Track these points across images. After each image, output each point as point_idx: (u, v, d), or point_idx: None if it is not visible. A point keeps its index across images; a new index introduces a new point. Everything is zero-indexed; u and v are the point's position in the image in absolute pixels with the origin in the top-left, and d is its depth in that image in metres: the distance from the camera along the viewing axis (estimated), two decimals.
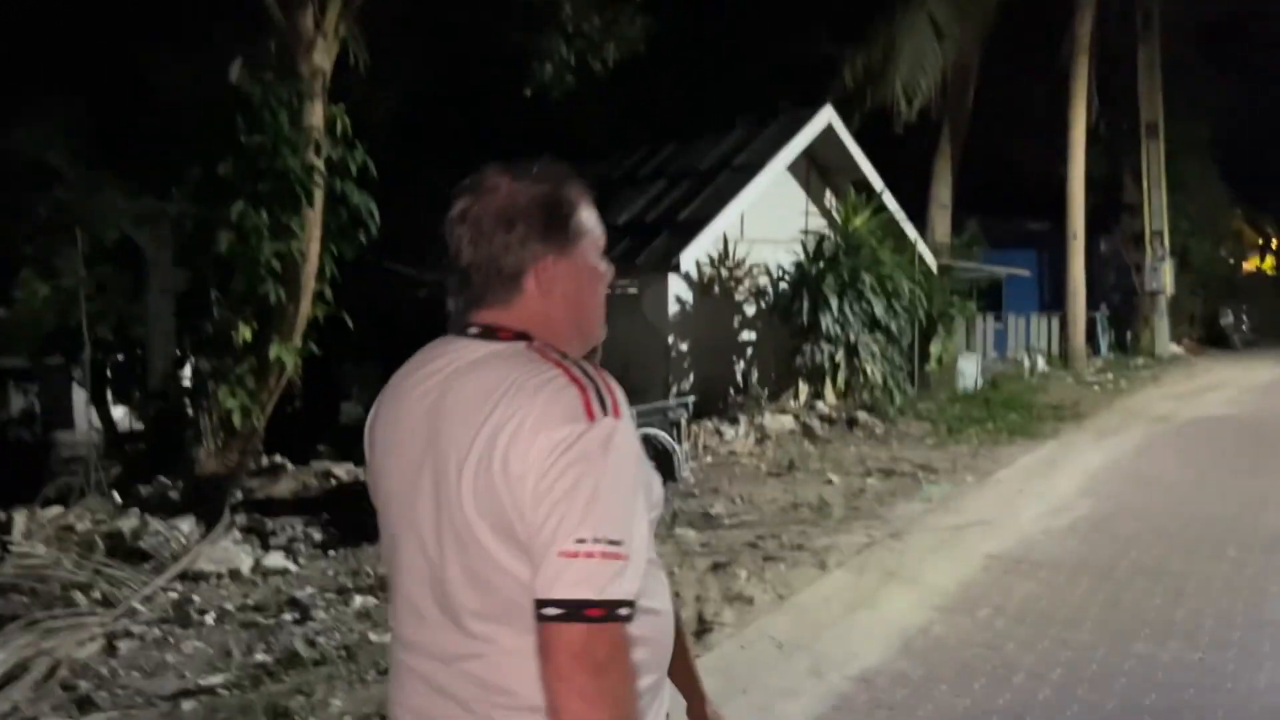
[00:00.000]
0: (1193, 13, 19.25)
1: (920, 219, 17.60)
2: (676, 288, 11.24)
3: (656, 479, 1.32)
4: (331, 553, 6.73)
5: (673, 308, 11.26)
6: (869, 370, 11.14)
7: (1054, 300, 23.26)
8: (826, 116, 11.84)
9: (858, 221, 11.14)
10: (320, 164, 7.74)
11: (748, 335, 11.93)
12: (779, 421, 10.44)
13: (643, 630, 1.23)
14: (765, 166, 11.25)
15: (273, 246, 7.75)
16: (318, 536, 7.15)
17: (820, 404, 11.18)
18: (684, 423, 7.88)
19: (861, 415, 10.80)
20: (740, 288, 11.85)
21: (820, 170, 12.92)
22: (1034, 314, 21.08)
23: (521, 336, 1.32)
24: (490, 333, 1.33)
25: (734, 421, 10.39)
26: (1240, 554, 5.98)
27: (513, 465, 1.18)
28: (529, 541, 1.18)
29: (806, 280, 10.92)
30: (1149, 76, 19.03)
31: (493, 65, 10.36)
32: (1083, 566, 5.83)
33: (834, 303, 10.88)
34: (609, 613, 1.15)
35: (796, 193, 12.38)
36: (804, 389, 11.33)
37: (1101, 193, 22.00)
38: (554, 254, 1.32)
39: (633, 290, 11.60)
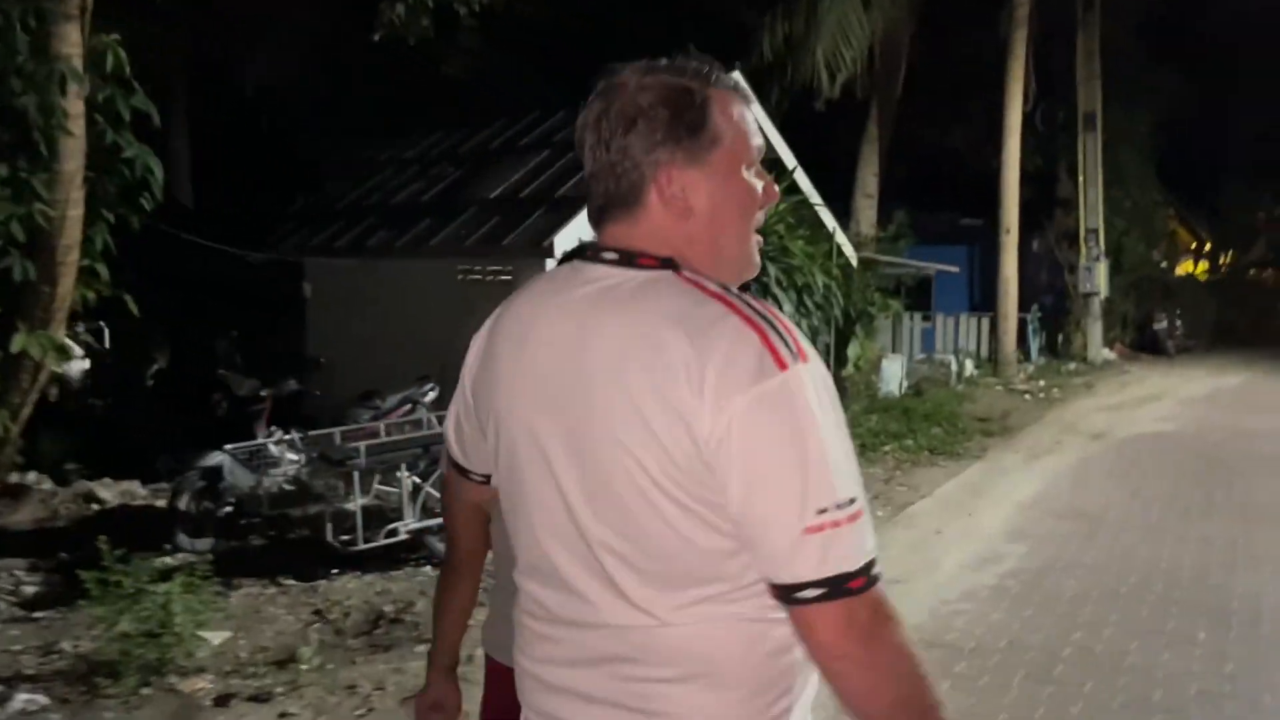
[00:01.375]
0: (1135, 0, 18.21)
1: (847, 208, 16.32)
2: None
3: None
4: (40, 614, 5.08)
5: None
6: None
7: (985, 300, 22.17)
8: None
9: None
10: (70, 106, 6.05)
11: None
12: None
13: None
14: None
15: (8, 209, 6.07)
16: (32, 588, 5.47)
17: None
18: None
19: None
20: None
21: None
22: (964, 314, 19.97)
23: (667, 264, 1.16)
24: (629, 258, 1.18)
25: None
26: (1214, 637, 4.62)
27: (701, 427, 1.06)
28: (740, 514, 1.08)
29: None
30: (1087, 64, 17.94)
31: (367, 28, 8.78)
32: (1015, 653, 4.42)
33: None
34: (867, 578, 1.07)
35: None
36: None
37: (1036, 187, 20.93)
38: (683, 160, 1.17)
39: (506, 277, 10.01)
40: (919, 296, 23.04)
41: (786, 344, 1.09)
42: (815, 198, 11.83)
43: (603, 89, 1.22)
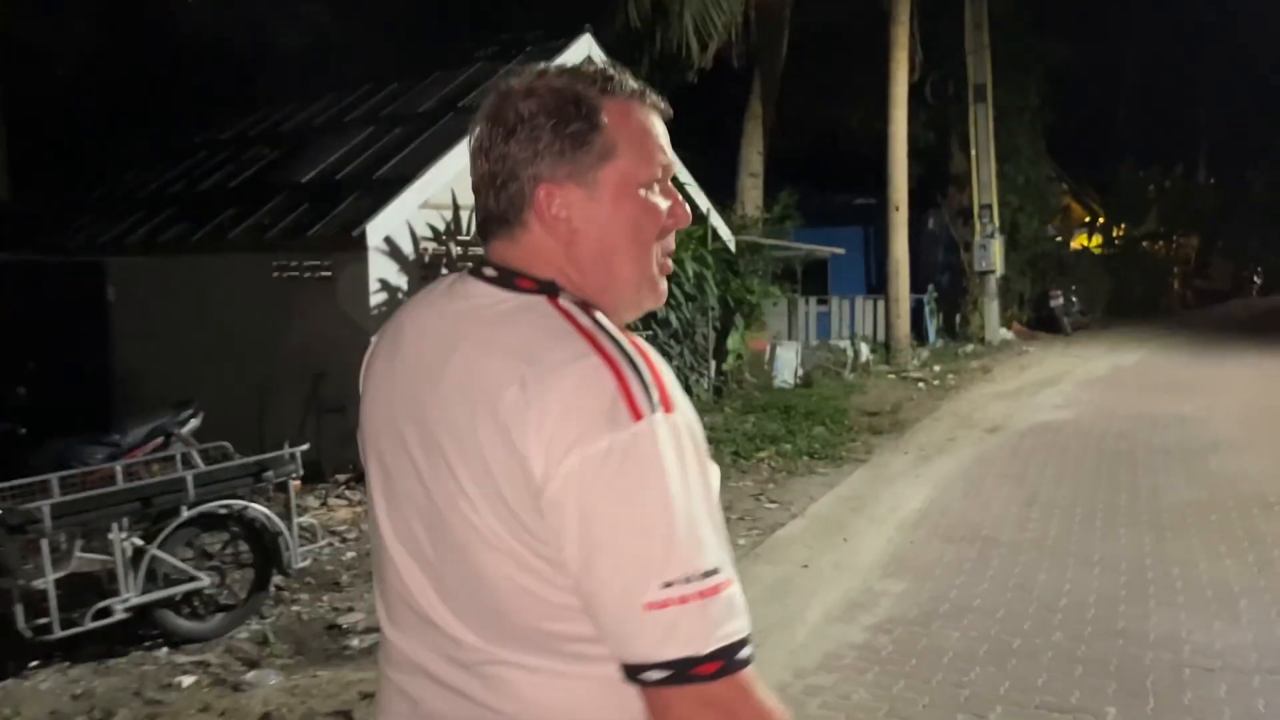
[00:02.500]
0: None
1: (732, 190, 15.33)
2: (381, 269, 8.38)
3: (714, 468, 1.05)
4: None
5: (377, 296, 8.40)
6: None
7: (881, 282, 21.52)
8: (584, 47, 9.18)
9: None
10: None
11: None
12: None
13: None
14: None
15: None
16: None
17: None
18: (292, 485, 5.09)
19: None
20: None
21: None
22: (861, 297, 19.22)
23: (547, 287, 1.06)
24: (508, 278, 1.08)
25: None
26: (1128, 713, 3.64)
27: (537, 479, 0.95)
28: (578, 582, 0.97)
29: None
30: (976, 33, 17.27)
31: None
32: None
33: None
34: (726, 662, 0.94)
35: None
36: None
37: (929, 164, 20.30)
38: (565, 177, 1.06)
39: (325, 273, 8.70)
40: (816, 280, 22.34)
41: (648, 391, 0.96)
42: (685, 176, 10.75)
43: (491, 93, 1.11)
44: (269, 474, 4.91)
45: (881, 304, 19.28)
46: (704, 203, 10.97)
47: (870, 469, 7.99)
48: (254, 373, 9.37)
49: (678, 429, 0.97)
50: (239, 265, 9.19)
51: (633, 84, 1.10)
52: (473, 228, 9.20)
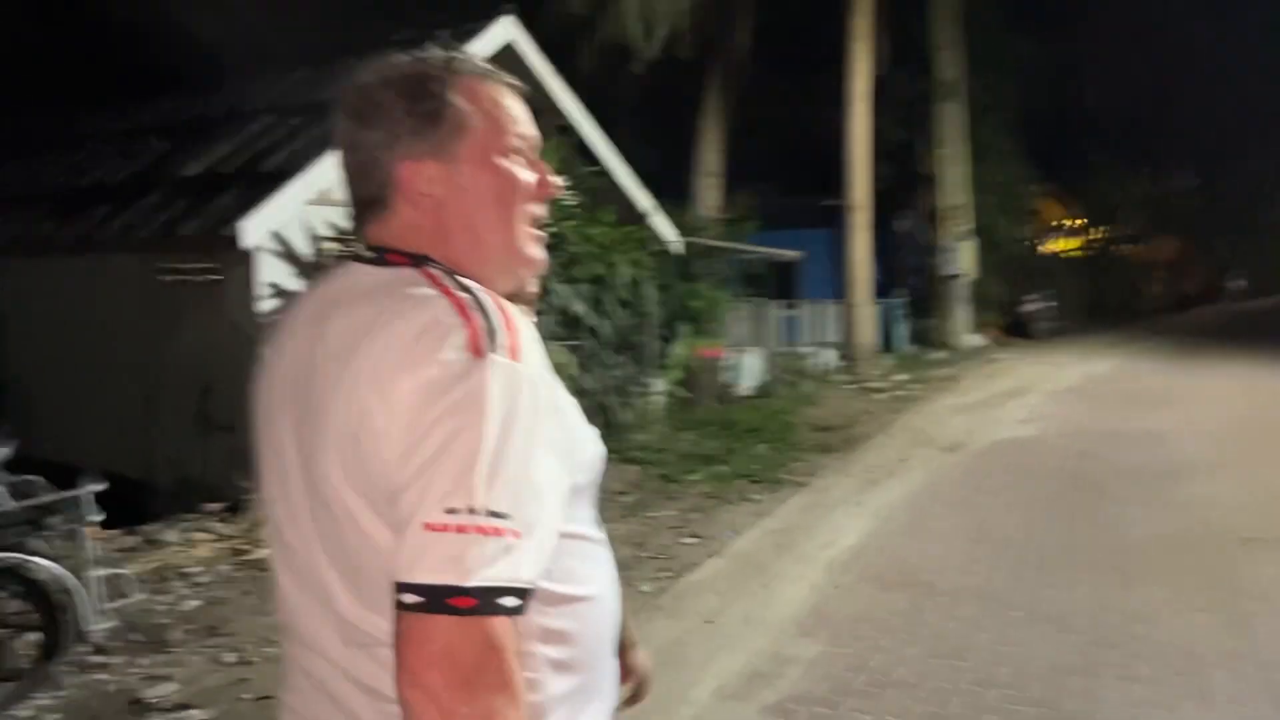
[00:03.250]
0: None
1: (687, 190, 14.57)
2: (270, 271, 7.56)
3: (587, 435, 1.10)
4: None
5: (266, 302, 7.58)
6: None
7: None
8: (505, 32, 8.38)
9: None
10: None
11: None
12: None
13: (564, 623, 1.07)
14: None
15: None
16: None
17: None
18: (87, 531, 4.27)
19: None
20: None
21: None
22: (830, 302, 18.51)
23: (418, 259, 1.08)
24: (381, 257, 1.10)
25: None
26: None
27: (376, 418, 0.96)
28: (398, 514, 0.95)
29: None
30: (947, 28, 16.56)
31: None
32: None
33: None
34: (482, 602, 0.91)
35: None
36: None
37: (900, 164, 19.62)
38: (423, 153, 1.09)
39: (215, 276, 7.87)
40: (785, 284, 21.63)
41: (494, 335, 0.96)
42: (623, 175, 9.98)
43: (346, 87, 1.13)
44: (54, 519, 4.09)
45: None
46: (644, 202, 10.20)
47: (809, 495, 7.22)
48: (139, 386, 8.53)
49: (516, 376, 0.96)
50: (116, 268, 8.37)
51: (481, 64, 1.13)
52: None
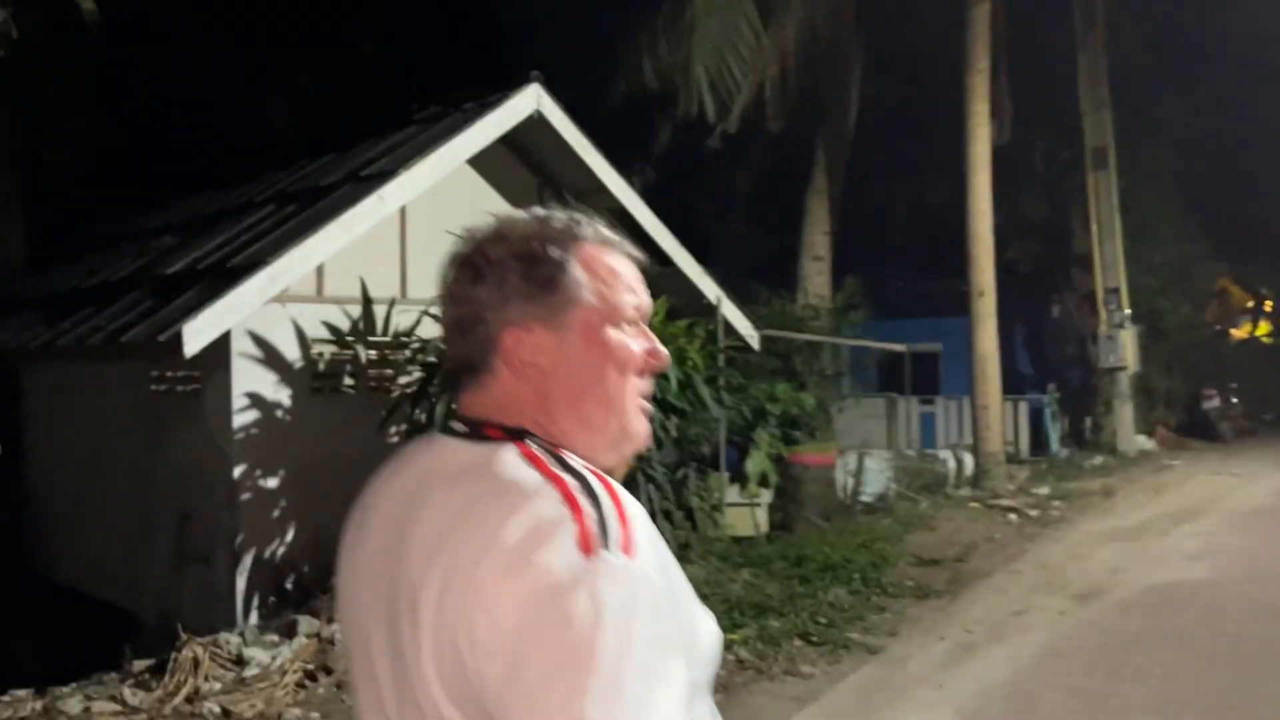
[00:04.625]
0: (1140, 14, 14.88)
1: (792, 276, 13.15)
2: (249, 379, 6.58)
3: (704, 622, 0.99)
4: None
5: (244, 415, 6.58)
6: None
7: (1005, 379, 18.69)
8: (532, 99, 7.30)
9: None
10: None
11: None
12: None
13: None
14: (401, 174, 6.64)
15: None
16: None
17: None
18: None
19: None
20: (399, 381, 7.19)
21: (561, 196, 8.36)
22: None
23: (516, 433, 1.00)
24: (477, 431, 1.02)
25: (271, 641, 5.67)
26: None
27: (477, 629, 0.86)
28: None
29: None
30: (1093, 90, 14.68)
31: None
32: None
33: None
34: None
35: None
36: None
37: (1048, 242, 17.53)
38: (533, 320, 1.02)
39: (194, 385, 6.99)
40: (924, 377, 19.79)
41: (605, 529, 0.87)
42: (685, 263, 8.70)
43: (461, 238, 1.08)
44: None
45: (1005, 405, 16.46)
46: (712, 291, 8.83)
47: (878, 668, 5.49)
48: (130, 506, 7.70)
49: (633, 578, 0.86)
50: (113, 376, 7.63)
51: (603, 230, 1.08)
52: (391, 327, 7.37)
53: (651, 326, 4.51)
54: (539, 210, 1.08)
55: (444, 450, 1.01)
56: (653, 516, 3.46)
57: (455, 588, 0.87)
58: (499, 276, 1.02)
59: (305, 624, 5.71)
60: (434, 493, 0.96)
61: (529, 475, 0.92)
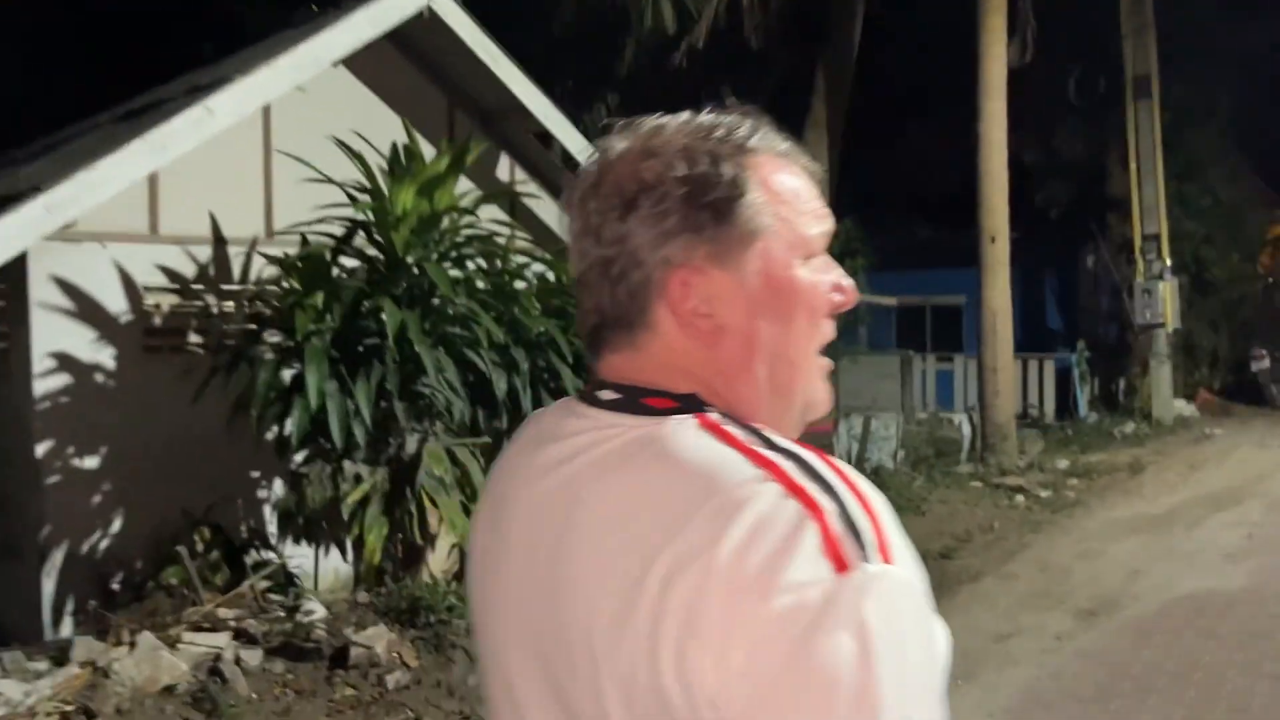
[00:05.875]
0: None
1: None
2: (54, 335, 5.38)
3: (940, 632, 0.76)
4: None
5: (49, 380, 5.39)
6: (440, 509, 5.10)
7: (1028, 335, 17.17)
8: None
9: (406, 195, 5.03)
10: None
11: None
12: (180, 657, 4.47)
13: None
14: (236, 81, 5.32)
15: None
16: None
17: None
18: None
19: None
20: (268, 338, 5.93)
21: (478, 118, 7.01)
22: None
23: (686, 404, 0.80)
24: (634, 400, 0.81)
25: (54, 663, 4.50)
26: None
27: (694, 672, 0.68)
28: None
29: (287, 321, 4.93)
30: (1135, 9, 12.93)
31: None
32: None
33: (381, 371, 4.90)
34: None
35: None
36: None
37: (1083, 184, 15.88)
38: (705, 259, 0.80)
39: (2, 344, 5.81)
40: (946, 333, 18.35)
41: (856, 532, 0.68)
42: None
43: (594, 155, 0.84)
44: None
45: (1030, 364, 15.02)
46: None
47: None
48: None
49: (898, 588, 0.69)
50: None
51: (777, 139, 0.84)
52: (252, 272, 6.11)
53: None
54: (687, 117, 0.83)
55: (593, 426, 0.81)
56: None
57: (649, 618, 0.68)
58: (658, 205, 0.79)
59: (81, 648, 4.52)
60: (594, 486, 0.78)
61: (730, 459, 0.73)
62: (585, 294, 0.83)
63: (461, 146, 5.35)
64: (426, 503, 5.10)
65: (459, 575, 5.51)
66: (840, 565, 0.67)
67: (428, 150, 5.45)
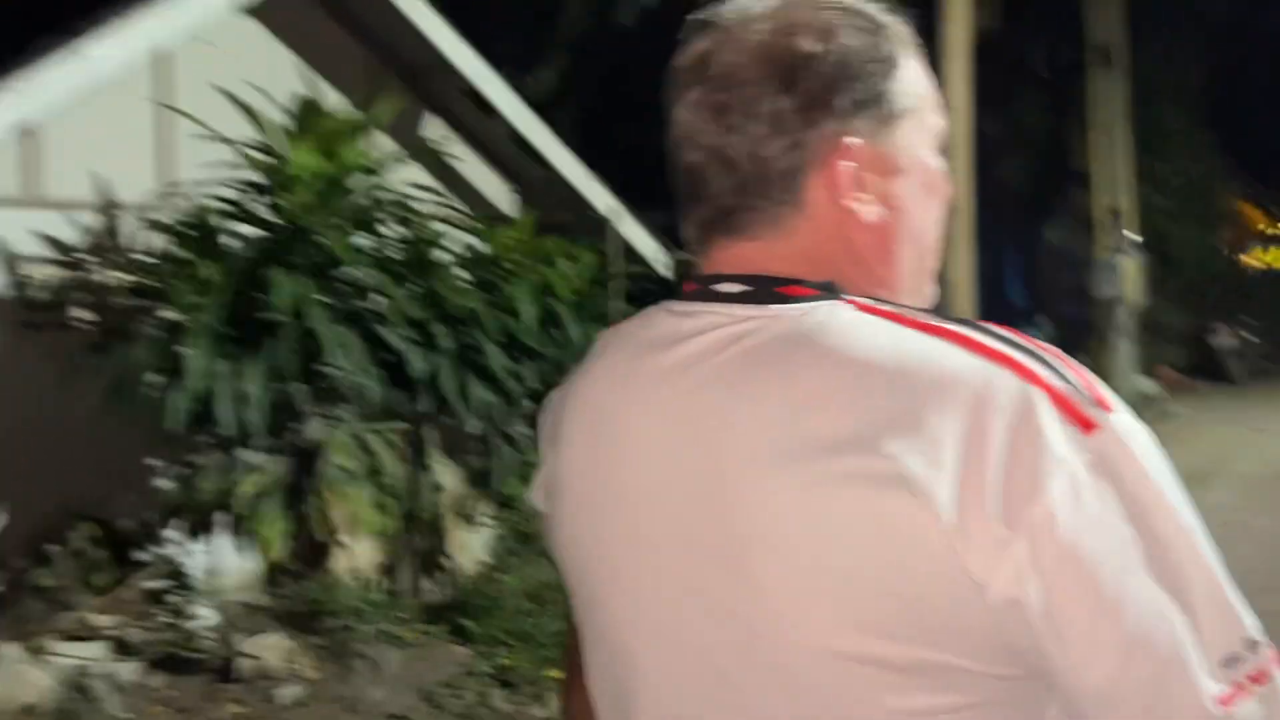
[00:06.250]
0: None
1: None
2: None
3: None
4: None
5: None
6: (349, 501, 4.62)
7: (987, 313, 16.89)
8: None
9: (305, 153, 4.52)
10: None
11: None
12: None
13: None
14: (113, 25, 4.79)
15: None
16: None
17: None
18: None
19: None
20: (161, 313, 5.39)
21: (410, 70, 6.49)
22: None
23: (829, 291, 0.76)
24: (766, 289, 0.76)
25: None
26: None
27: (971, 556, 0.65)
28: (1077, 685, 0.66)
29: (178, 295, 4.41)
30: None
31: None
32: None
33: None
34: None
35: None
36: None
37: (1045, 157, 15.59)
38: (870, 133, 0.78)
39: None
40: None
41: (1077, 388, 0.68)
42: (568, 166, 6.91)
43: (708, 23, 0.78)
44: None
45: None
46: (603, 202, 7.00)
47: None
48: None
49: (1139, 431, 0.69)
50: None
51: (905, 25, 0.82)
52: (146, 241, 5.56)
53: (505, 245, 4.40)
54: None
55: (726, 321, 0.75)
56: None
57: (884, 518, 0.66)
58: (812, 78, 0.75)
59: None
60: (751, 383, 0.72)
61: (921, 340, 0.70)
62: (713, 174, 0.77)
63: (372, 101, 4.83)
64: (332, 495, 4.63)
65: (377, 571, 5.07)
66: (1085, 425, 0.66)
67: (349, 112, 4.93)
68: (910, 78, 0.80)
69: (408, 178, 5.41)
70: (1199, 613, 0.64)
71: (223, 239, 4.61)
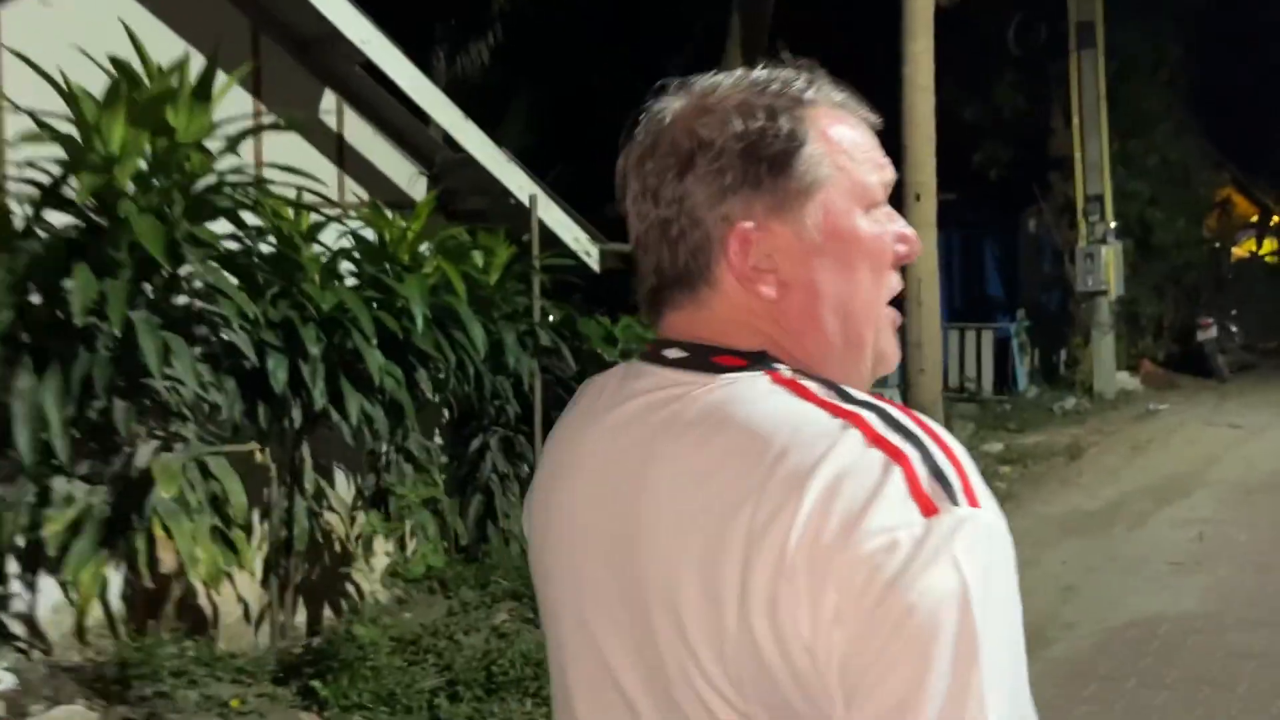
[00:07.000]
0: None
1: None
2: None
3: None
4: None
5: None
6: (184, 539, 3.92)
7: (966, 305, 16.26)
8: None
9: (118, 126, 3.82)
10: None
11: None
12: None
13: None
14: None
15: None
16: None
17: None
18: None
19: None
20: None
21: (300, 41, 5.76)
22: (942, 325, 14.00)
23: (755, 360, 0.80)
24: (702, 357, 0.81)
25: None
26: None
27: (785, 618, 0.68)
28: None
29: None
30: None
31: None
32: None
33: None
34: None
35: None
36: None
37: (1023, 143, 14.91)
38: (765, 213, 0.80)
39: None
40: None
41: (942, 477, 0.68)
42: (478, 147, 6.21)
43: (646, 117, 0.84)
44: None
45: (964, 335, 14.16)
46: (518, 184, 6.29)
47: None
48: None
49: (986, 531, 0.68)
50: None
51: (832, 90, 0.84)
52: None
53: (398, 236, 3.70)
54: (742, 73, 0.83)
55: (666, 383, 0.81)
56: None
57: (738, 573, 0.69)
58: (715, 162, 0.79)
59: None
60: (669, 445, 0.77)
61: (808, 413, 0.73)
62: (644, 256, 0.84)
63: (209, 65, 4.09)
64: (161, 531, 3.92)
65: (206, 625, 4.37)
66: (928, 508, 0.67)
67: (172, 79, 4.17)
68: (822, 151, 0.80)
69: (287, 159, 4.69)
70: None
71: (27, 229, 3.88)
